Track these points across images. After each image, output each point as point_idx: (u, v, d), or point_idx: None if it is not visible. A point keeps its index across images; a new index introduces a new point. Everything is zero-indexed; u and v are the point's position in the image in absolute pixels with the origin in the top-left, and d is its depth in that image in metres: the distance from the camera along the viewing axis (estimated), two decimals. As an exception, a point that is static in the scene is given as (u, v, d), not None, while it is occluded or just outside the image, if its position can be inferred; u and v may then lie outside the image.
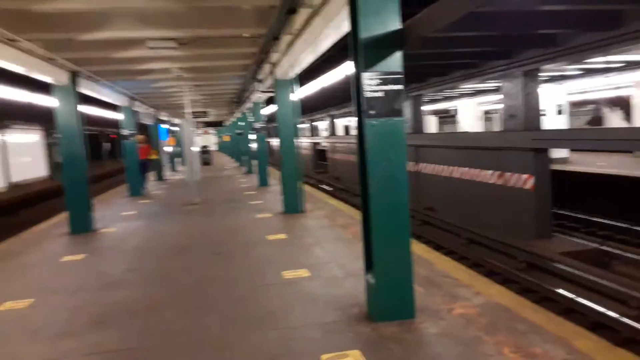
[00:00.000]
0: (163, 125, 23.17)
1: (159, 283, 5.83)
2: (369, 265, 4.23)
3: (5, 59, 6.60)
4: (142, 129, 18.70)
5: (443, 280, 5.10)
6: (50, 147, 29.03)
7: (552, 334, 3.67)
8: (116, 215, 11.36)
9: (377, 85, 4.04)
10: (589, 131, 14.30)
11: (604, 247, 9.55)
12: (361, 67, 4.03)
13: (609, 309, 6.96)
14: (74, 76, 8.91)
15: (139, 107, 17.05)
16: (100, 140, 43.14)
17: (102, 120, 29.64)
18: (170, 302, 5.08)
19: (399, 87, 4.06)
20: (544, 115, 18.77)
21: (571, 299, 7.38)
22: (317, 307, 4.57)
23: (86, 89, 10.34)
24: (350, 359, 3.47)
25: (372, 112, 4.05)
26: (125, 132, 15.55)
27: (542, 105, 18.77)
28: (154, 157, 18.78)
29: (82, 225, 9.41)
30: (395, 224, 4.08)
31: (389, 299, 4.11)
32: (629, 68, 14.27)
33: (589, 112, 36.77)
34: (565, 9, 7.73)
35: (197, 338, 4.08)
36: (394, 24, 4.03)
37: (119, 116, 15.62)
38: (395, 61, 4.04)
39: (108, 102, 14.02)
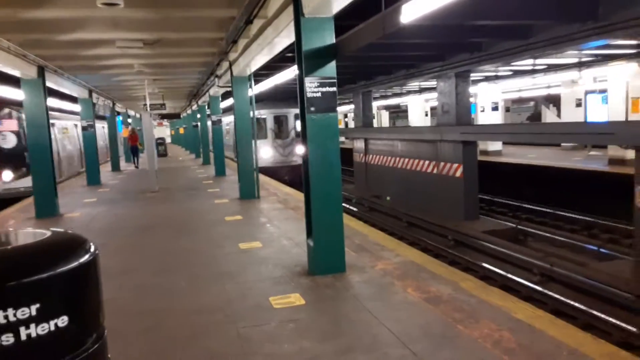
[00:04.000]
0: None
1: (128, 253, 6.67)
2: (309, 231, 5.27)
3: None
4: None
5: (372, 247, 6.22)
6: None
7: (446, 278, 4.84)
8: (78, 202, 11.92)
9: (316, 87, 5.07)
10: (508, 126, 15.88)
11: (520, 226, 11.01)
12: (304, 72, 5.04)
13: (516, 275, 8.30)
14: (42, 70, 9.49)
15: (97, 99, 17.43)
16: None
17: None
18: (140, 266, 5.97)
19: (334, 89, 5.11)
20: (482, 111, 20.50)
21: (486, 268, 8.71)
22: (267, 267, 5.58)
23: (50, 82, 10.86)
24: (292, 299, 4.52)
25: (312, 108, 5.08)
26: (84, 123, 15.98)
27: (480, 102, 20.46)
28: (140, 145, 22.62)
29: (47, 210, 9.99)
30: (330, 197, 5.15)
31: (325, 257, 5.17)
32: (552, 70, 15.94)
33: (529, 109, 39.40)
34: (487, 23, 9.03)
35: (168, 290, 5.02)
36: (330, 39, 5.08)
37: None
38: (330, 68, 5.09)
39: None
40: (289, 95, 18.86)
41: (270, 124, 19.19)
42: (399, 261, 5.54)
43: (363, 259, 5.69)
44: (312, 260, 5.24)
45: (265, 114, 19.03)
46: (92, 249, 1.97)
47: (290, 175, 18.09)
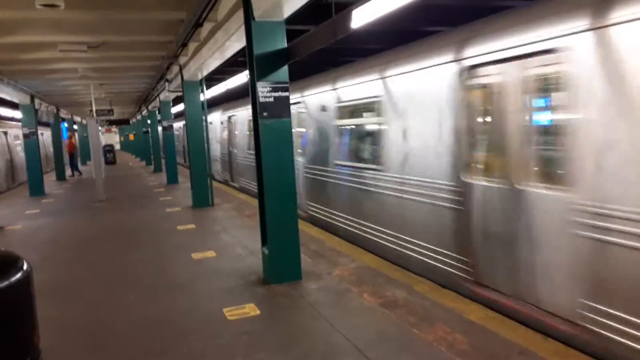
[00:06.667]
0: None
1: (73, 267, 6.36)
2: (264, 240, 5.18)
3: None
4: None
5: (329, 253, 6.18)
6: None
7: (401, 282, 4.86)
8: (20, 214, 11.30)
9: (269, 92, 4.99)
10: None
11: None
12: (256, 77, 4.96)
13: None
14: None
15: (39, 105, 16.62)
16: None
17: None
18: (87, 280, 5.68)
19: (286, 94, 5.04)
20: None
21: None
22: (221, 277, 5.43)
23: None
24: (247, 309, 4.40)
25: (265, 114, 5.00)
26: (25, 130, 15.19)
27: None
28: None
29: (-15, 223, 9.41)
30: (285, 205, 5.07)
31: (280, 266, 5.08)
32: None
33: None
34: (439, 29, 9.20)
35: (116, 304, 4.79)
36: (282, 43, 5.02)
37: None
38: (283, 73, 5.02)
39: None
40: None
41: None
42: (355, 266, 5.53)
43: (319, 265, 5.64)
44: (268, 268, 5.13)
45: None
46: (25, 267, 1.82)
47: None
